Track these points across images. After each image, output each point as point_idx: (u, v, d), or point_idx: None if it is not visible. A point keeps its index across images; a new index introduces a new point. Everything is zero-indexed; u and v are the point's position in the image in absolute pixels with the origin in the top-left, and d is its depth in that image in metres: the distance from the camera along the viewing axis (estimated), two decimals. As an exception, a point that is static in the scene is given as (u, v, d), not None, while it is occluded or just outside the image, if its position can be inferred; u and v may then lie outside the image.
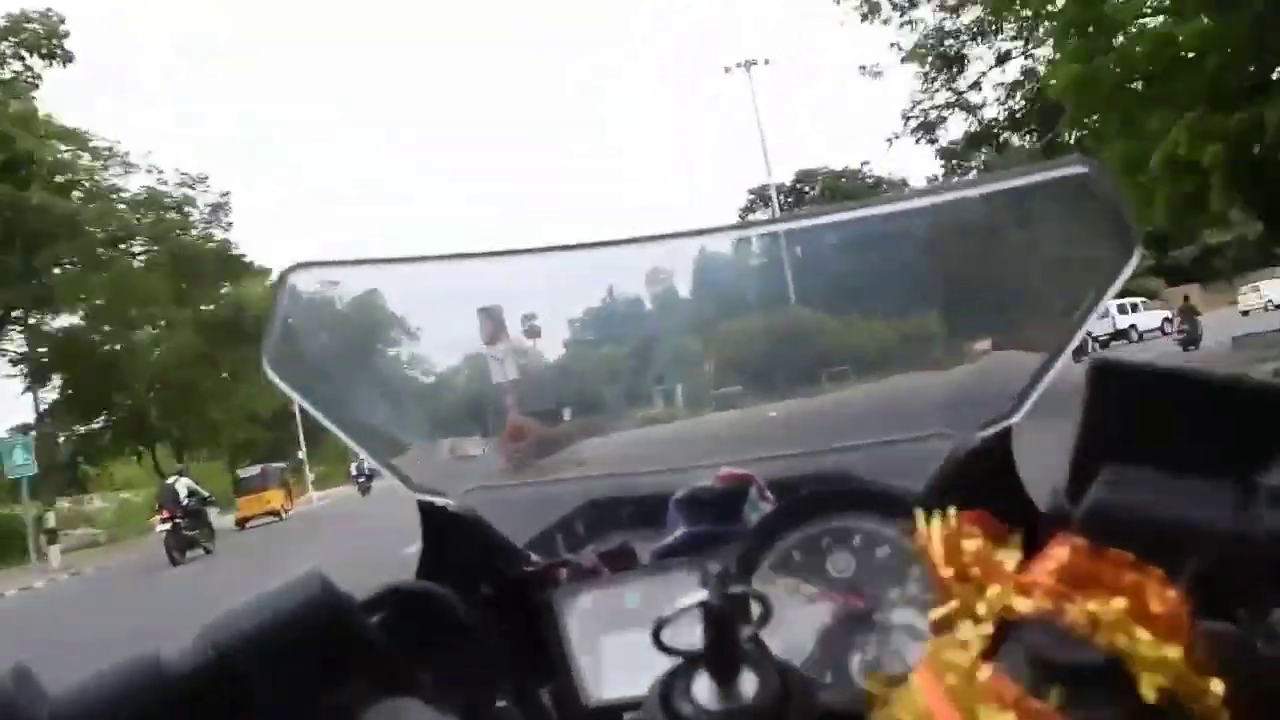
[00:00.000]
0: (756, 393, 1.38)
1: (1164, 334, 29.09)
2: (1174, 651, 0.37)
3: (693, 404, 1.34)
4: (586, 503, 1.09)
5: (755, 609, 0.46)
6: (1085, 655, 0.38)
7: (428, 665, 0.63)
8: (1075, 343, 0.80)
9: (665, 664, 0.47)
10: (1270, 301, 37.19)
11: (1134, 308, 34.06)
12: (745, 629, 0.46)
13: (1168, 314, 29.25)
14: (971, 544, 0.42)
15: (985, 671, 0.38)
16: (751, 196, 59.17)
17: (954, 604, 0.41)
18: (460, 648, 0.69)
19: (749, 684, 0.45)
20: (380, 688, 0.51)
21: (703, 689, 0.45)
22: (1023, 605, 0.39)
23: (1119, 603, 0.38)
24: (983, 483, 0.83)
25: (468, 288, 0.93)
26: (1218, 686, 0.37)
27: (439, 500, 0.94)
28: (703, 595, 0.44)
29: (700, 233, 0.93)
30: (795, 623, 0.78)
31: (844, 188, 56.45)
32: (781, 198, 54.31)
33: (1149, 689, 0.36)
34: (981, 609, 0.40)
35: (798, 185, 59.80)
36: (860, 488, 0.85)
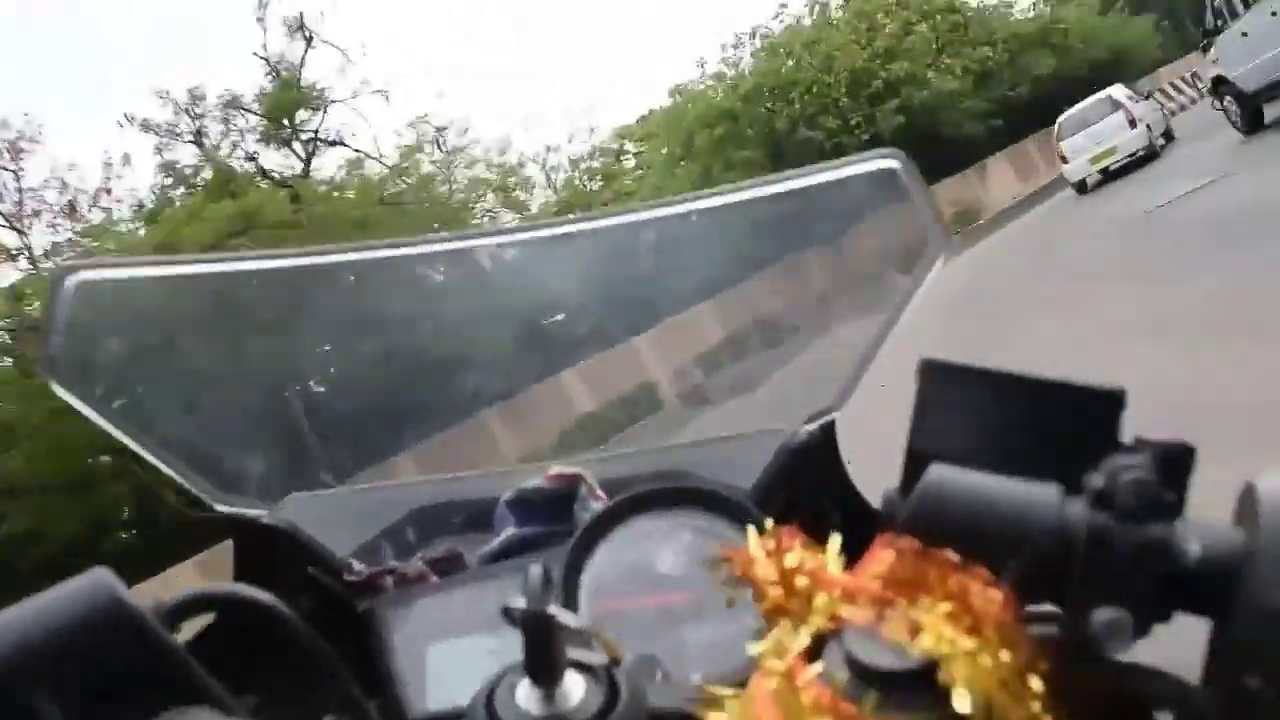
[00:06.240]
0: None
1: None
2: (993, 656, 0.37)
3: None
4: (414, 509, 1.05)
5: (568, 620, 0.45)
6: (902, 660, 0.38)
7: (244, 680, 0.58)
8: (887, 337, 0.82)
9: (491, 671, 0.47)
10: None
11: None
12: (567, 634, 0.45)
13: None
14: (794, 556, 0.42)
15: (806, 676, 0.38)
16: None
17: (784, 621, 0.41)
18: (281, 661, 0.65)
19: (574, 689, 0.45)
20: (181, 704, 0.46)
21: (525, 696, 0.45)
22: (849, 612, 0.40)
23: (942, 607, 0.38)
24: (811, 475, 0.85)
25: (265, 291, 0.88)
26: (1038, 687, 0.37)
27: (249, 512, 0.89)
28: (521, 603, 0.44)
29: (499, 232, 0.91)
30: (623, 621, 0.77)
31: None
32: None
33: (961, 697, 0.36)
34: (812, 619, 0.40)
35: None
36: (690, 484, 0.85)
